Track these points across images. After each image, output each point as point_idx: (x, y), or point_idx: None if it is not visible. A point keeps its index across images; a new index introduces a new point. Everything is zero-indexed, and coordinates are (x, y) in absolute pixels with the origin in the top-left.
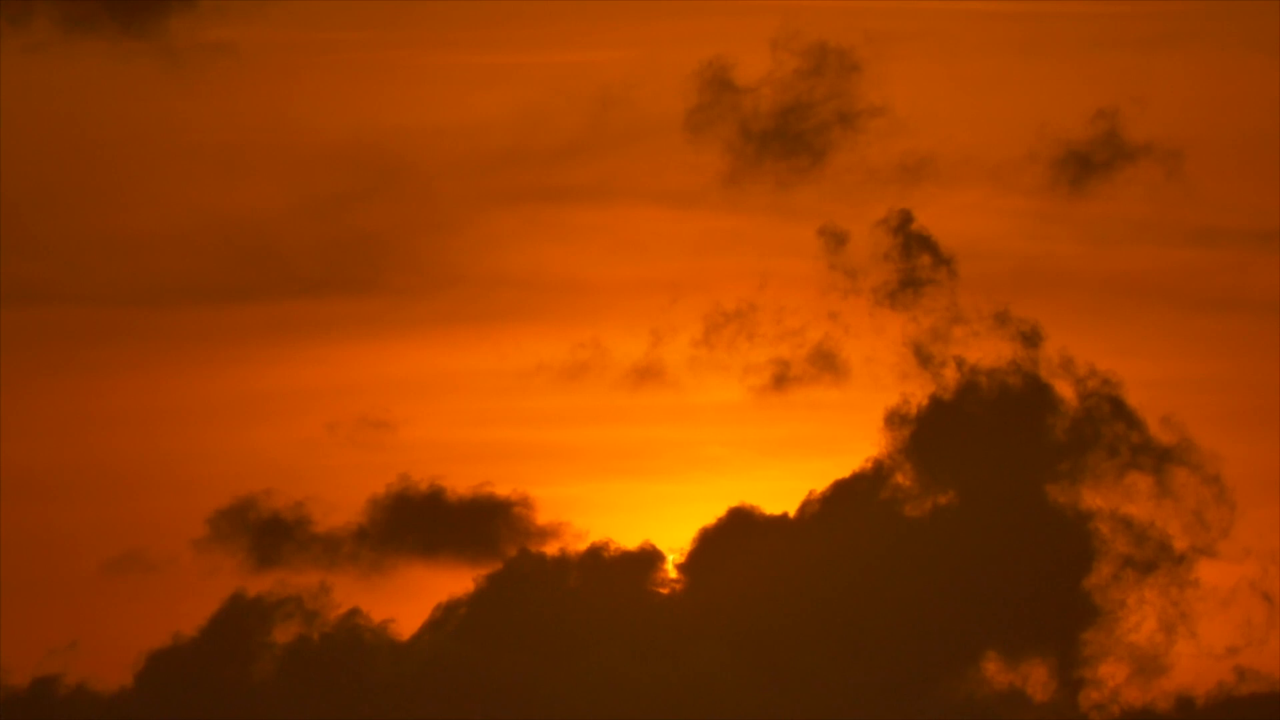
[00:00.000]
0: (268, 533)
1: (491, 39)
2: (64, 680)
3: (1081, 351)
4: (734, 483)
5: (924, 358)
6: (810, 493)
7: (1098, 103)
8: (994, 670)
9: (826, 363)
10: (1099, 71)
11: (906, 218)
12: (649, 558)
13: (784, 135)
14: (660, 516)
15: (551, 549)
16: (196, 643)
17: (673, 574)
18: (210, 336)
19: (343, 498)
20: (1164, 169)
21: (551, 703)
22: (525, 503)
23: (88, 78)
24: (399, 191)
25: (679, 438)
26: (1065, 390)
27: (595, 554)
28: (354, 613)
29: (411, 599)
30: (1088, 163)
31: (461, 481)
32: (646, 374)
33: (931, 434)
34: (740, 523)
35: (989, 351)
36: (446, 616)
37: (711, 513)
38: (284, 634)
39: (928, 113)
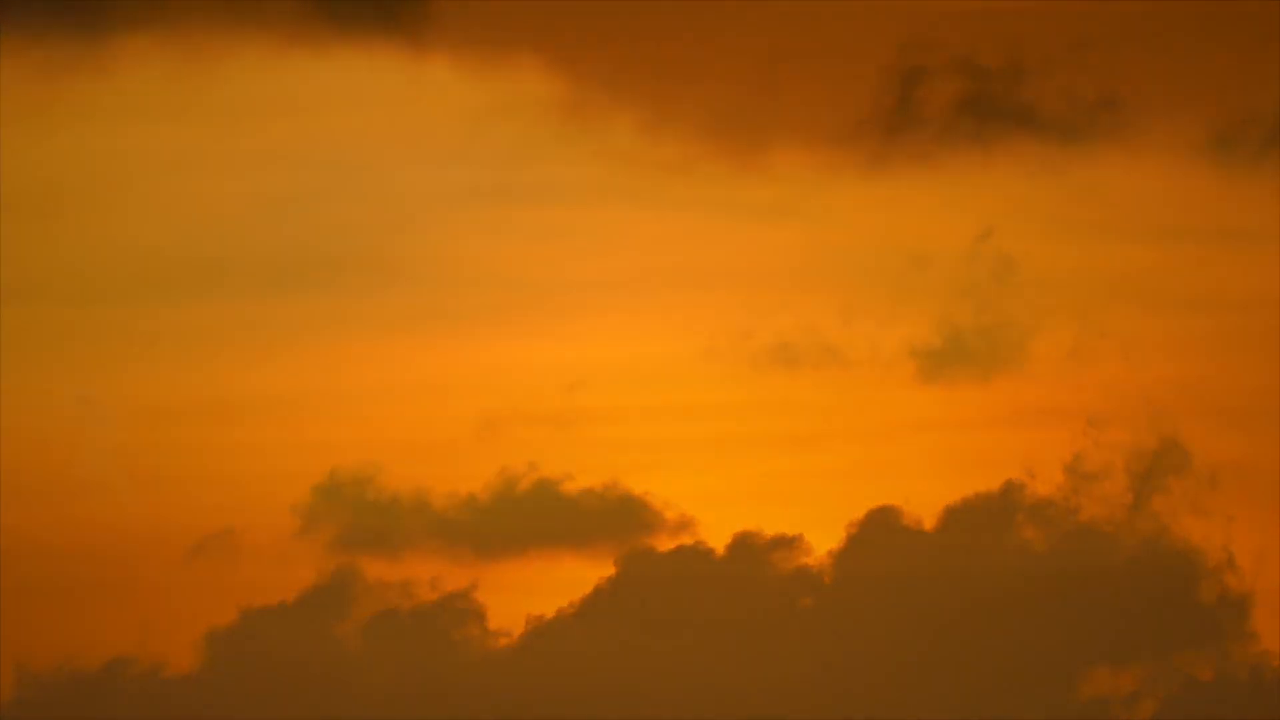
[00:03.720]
0: (358, 519)
1: None
2: (137, 663)
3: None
4: (871, 485)
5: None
6: (949, 504)
7: None
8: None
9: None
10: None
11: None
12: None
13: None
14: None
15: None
16: (276, 621)
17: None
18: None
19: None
20: None
21: (667, 704)
22: (653, 498)
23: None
24: (366, 190)
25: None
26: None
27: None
28: (455, 599)
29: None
30: None
31: (589, 477)
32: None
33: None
34: (877, 527)
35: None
36: (563, 614)
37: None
38: (375, 618)
39: None
